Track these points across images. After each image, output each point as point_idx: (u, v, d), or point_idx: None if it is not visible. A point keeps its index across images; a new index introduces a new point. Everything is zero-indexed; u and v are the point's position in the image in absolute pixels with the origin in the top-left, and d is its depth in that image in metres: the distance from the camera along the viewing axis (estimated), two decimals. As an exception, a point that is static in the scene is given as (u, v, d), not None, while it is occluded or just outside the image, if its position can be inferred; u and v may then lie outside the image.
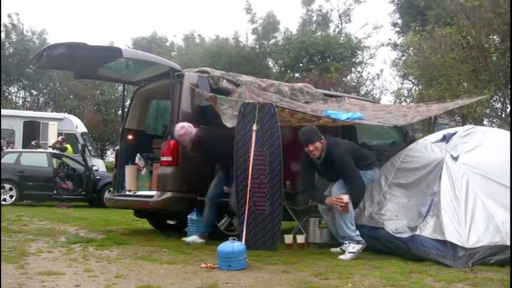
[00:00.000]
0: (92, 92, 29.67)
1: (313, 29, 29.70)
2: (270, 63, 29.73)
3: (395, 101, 21.36)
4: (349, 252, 5.34)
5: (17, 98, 32.48)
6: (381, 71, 31.56)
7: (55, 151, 14.85)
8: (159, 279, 4.12)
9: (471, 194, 5.19)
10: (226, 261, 4.58)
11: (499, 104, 15.68)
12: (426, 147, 6.05)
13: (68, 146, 16.01)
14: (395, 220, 5.60)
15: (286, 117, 6.20)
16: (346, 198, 5.44)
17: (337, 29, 30.30)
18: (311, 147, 5.54)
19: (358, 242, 5.40)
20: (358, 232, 5.47)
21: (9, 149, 14.78)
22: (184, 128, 5.96)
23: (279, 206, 5.71)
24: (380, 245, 5.57)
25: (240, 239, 5.04)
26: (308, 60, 27.09)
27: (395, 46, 26.07)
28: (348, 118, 6.19)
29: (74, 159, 14.27)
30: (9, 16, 30.38)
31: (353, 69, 28.13)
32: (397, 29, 26.43)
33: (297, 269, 4.64)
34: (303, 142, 5.62)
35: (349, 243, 5.41)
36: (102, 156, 25.71)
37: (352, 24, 45.13)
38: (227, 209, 6.34)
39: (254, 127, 5.66)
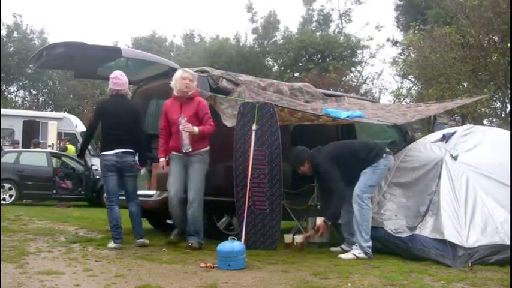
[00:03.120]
0: (92, 91, 29.66)
1: (313, 28, 29.68)
2: (269, 62, 29.71)
3: (394, 101, 21.37)
4: (352, 254, 5.33)
5: (17, 98, 32.50)
6: (381, 71, 31.50)
7: (56, 150, 14.88)
8: (159, 279, 4.12)
9: (471, 193, 5.19)
10: (225, 261, 4.58)
11: (499, 103, 15.68)
12: (426, 147, 6.05)
13: (70, 145, 16.03)
14: (394, 220, 5.59)
15: (285, 116, 6.20)
16: (318, 220, 5.57)
17: (337, 29, 30.29)
18: (299, 172, 5.81)
19: (365, 253, 5.34)
20: (370, 244, 5.36)
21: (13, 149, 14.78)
22: (114, 74, 5.84)
23: (278, 206, 5.71)
24: (380, 244, 5.55)
25: (239, 239, 5.04)
26: (307, 60, 27.09)
27: (395, 43, 26.12)
28: (347, 116, 6.19)
29: (74, 159, 14.27)
30: (14, 16, 30.47)
31: (352, 68, 28.12)
32: (397, 25, 26.48)
33: (296, 269, 4.64)
34: (292, 167, 5.93)
35: (357, 247, 5.38)
36: (101, 155, 25.66)
37: (352, 24, 45.22)
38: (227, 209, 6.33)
39: (253, 126, 5.66)
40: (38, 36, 31.73)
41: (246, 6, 28.77)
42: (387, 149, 5.75)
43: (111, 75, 5.86)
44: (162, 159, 5.81)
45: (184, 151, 5.63)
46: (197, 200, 5.63)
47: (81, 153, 6.22)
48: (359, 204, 5.40)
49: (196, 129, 5.59)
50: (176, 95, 5.75)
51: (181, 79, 5.67)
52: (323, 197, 5.89)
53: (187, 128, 5.53)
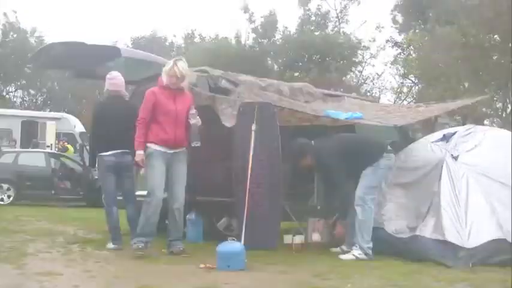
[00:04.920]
0: (91, 91, 29.64)
1: (312, 28, 29.66)
2: (269, 62, 29.70)
3: (395, 100, 21.38)
4: (352, 254, 5.31)
5: (15, 98, 32.52)
6: (382, 73, 31.35)
7: (55, 151, 14.89)
8: (158, 280, 4.10)
9: (471, 194, 5.17)
10: (225, 262, 4.57)
11: (500, 103, 15.70)
12: (426, 147, 6.02)
13: (69, 146, 16.04)
14: (395, 220, 5.58)
15: (285, 116, 6.19)
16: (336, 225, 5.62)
17: (335, 29, 30.25)
18: (301, 166, 5.68)
19: (366, 254, 5.31)
20: (371, 245, 5.32)
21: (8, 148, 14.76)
22: (111, 74, 5.78)
23: (278, 206, 5.70)
24: (380, 245, 5.52)
25: (239, 239, 5.02)
26: (307, 60, 27.09)
27: (395, 44, 26.09)
28: (347, 118, 6.18)
29: (73, 159, 14.25)
30: (5, 15, 30.40)
31: (353, 68, 28.12)
32: (397, 26, 26.41)
33: (296, 270, 4.63)
34: (293, 162, 5.81)
35: (358, 247, 5.35)
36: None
37: (350, 24, 45.15)
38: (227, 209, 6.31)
39: (253, 127, 5.64)
40: (33, 34, 31.72)
41: (243, 7, 28.74)
42: (389, 147, 5.71)
43: (108, 76, 5.82)
44: (141, 152, 5.33)
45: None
46: (183, 200, 5.49)
47: (92, 163, 6.13)
48: (362, 206, 5.37)
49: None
50: (170, 86, 5.38)
51: (169, 76, 5.31)
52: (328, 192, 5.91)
53: (198, 122, 5.28)
